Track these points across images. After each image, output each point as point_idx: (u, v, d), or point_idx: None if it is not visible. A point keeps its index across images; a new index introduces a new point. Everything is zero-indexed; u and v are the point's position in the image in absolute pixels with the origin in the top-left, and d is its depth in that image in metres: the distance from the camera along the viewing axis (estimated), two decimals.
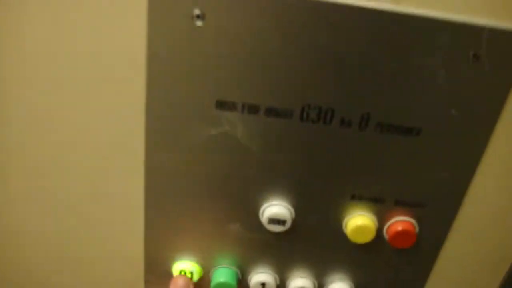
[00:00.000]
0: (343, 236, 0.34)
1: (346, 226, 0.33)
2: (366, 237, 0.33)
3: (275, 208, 0.33)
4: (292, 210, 0.33)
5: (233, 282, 0.36)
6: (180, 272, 0.36)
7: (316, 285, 0.37)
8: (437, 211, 0.33)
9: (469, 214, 0.33)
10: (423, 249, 0.35)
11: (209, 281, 0.37)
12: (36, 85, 0.29)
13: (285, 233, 0.34)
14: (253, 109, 0.29)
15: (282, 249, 0.35)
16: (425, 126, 0.30)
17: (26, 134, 0.31)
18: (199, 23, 0.27)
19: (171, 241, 0.35)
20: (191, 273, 0.36)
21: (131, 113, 0.30)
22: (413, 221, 0.33)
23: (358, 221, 0.33)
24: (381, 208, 0.33)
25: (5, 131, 0.31)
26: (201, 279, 0.36)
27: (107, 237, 0.35)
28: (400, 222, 0.33)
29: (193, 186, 0.32)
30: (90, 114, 0.30)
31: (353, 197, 0.33)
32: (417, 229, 0.33)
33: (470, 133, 0.30)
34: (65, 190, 0.33)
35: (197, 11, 0.26)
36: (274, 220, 0.33)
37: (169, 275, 0.37)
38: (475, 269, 0.36)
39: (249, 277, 0.36)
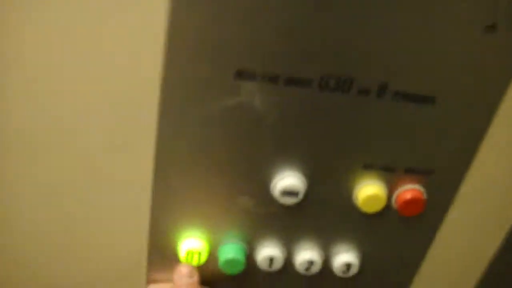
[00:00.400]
0: (353, 206, 0.34)
1: (357, 196, 0.34)
2: (376, 207, 0.34)
3: (289, 180, 0.32)
4: (305, 181, 0.33)
5: (242, 258, 0.35)
6: (188, 253, 0.35)
7: (323, 256, 0.37)
8: (445, 178, 0.34)
9: (474, 181, 0.34)
10: (429, 216, 0.35)
11: (216, 260, 0.36)
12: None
13: (295, 205, 0.34)
14: (272, 79, 0.29)
15: (291, 223, 0.35)
16: (439, 95, 0.30)
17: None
18: None
19: (179, 219, 0.34)
20: (199, 253, 0.35)
21: (146, 82, 0.29)
22: (421, 189, 0.34)
23: (370, 191, 0.33)
24: (391, 176, 0.33)
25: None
26: (209, 258, 0.36)
27: (111, 215, 0.34)
28: (409, 191, 0.34)
29: (205, 159, 0.32)
30: (102, 82, 0.29)
31: (365, 166, 0.33)
32: (425, 196, 0.34)
33: (480, 102, 0.31)
34: (69, 163, 0.31)
35: None
36: (287, 192, 0.32)
37: (174, 257, 0.36)
38: (476, 234, 0.38)
39: (256, 252, 0.36)
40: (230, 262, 0.35)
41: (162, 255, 0.36)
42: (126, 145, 0.31)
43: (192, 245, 0.35)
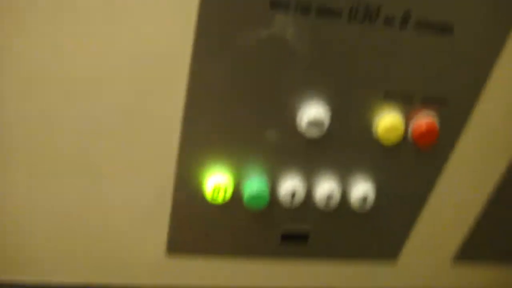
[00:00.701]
0: (372, 138, 0.36)
1: (377, 127, 0.35)
2: (394, 137, 0.36)
3: (315, 110, 0.34)
4: (330, 113, 0.34)
5: (266, 193, 0.36)
6: (214, 189, 0.36)
7: (342, 190, 0.38)
8: (457, 108, 0.36)
9: (483, 110, 0.37)
10: (440, 148, 0.38)
11: (240, 196, 0.37)
12: None
13: (319, 138, 0.35)
14: (305, 9, 0.30)
15: (313, 156, 0.37)
16: (457, 24, 0.32)
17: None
18: None
19: (206, 154, 0.35)
20: (225, 189, 0.36)
21: (180, 13, 0.29)
22: (436, 119, 0.36)
23: (389, 121, 0.35)
24: (409, 106, 0.35)
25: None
26: (233, 196, 0.37)
27: (137, 152, 0.34)
28: (425, 120, 0.36)
29: (235, 92, 0.32)
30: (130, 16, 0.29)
31: (385, 95, 0.35)
32: (438, 126, 0.36)
33: (492, 32, 0.33)
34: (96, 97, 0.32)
35: None
36: (313, 123, 0.34)
37: (199, 194, 0.37)
38: (481, 165, 0.40)
39: (279, 186, 0.37)
40: (255, 198, 0.36)
41: (187, 192, 0.37)
42: (157, 80, 0.32)
43: (218, 180, 0.36)
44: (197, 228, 0.39)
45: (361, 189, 0.38)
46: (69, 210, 0.37)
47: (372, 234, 0.43)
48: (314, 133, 0.34)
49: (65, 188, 0.36)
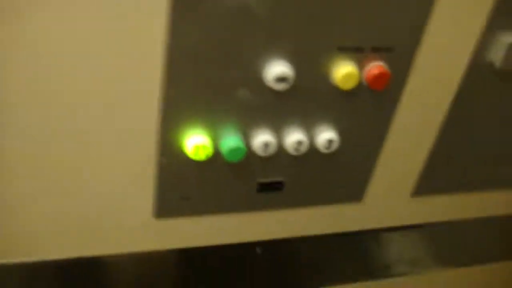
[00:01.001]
0: (332, 86, 0.40)
1: (335, 76, 0.40)
2: (351, 83, 0.40)
3: (280, 68, 0.37)
4: (293, 68, 0.38)
5: (242, 145, 0.40)
6: (196, 147, 0.39)
7: (309, 137, 0.43)
8: (403, 53, 0.41)
9: (426, 52, 0.41)
10: (392, 90, 0.42)
11: (217, 155, 0.40)
12: None
13: (284, 92, 0.39)
14: None
15: (280, 109, 0.40)
16: None
17: None
18: None
19: (185, 116, 0.38)
20: (204, 147, 0.39)
21: None
22: (385, 64, 0.40)
23: (345, 69, 0.39)
24: (361, 56, 0.40)
25: None
26: (214, 151, 0.40)
27: (119, 114, 0.37)
28: (376, 66, 0.40)
29: (209, 57, 0.36)
30: None
31: (339, 48, 0.39)
32: (389, 71, 0.41)
33: None
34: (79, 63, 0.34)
35: None
36: (280, 78, 0.38)
37: (181, 155, 0.40)
38: (428, 101, 0.45)
39: (253, 140, 0.41)
40: (234, 150, 0.40)
41: (171, 154, 0.40)
42: (135, 46, 0.35)
43: (197, 140, 0.39)
44: (181, 189, 0.42)
45: (327, 133, 0.42)
46: (59, 183, 0.39)
47: (339, 178, 0.47)
48: (281, 87, 0.38)
49: (54, 160, 0.38)
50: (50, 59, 0.33)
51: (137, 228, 0.44)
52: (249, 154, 0.41)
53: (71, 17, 0.32)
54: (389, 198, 0.52)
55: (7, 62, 0.33)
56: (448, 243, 0.63)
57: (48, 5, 0.31)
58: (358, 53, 0.39)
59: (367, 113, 0.43)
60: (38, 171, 0.38)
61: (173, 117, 0.38)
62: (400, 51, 0.40)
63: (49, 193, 0.39)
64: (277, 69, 0.37)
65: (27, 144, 0.36)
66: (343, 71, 0.39)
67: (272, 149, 0.42)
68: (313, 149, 0.43)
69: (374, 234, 0.57)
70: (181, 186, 0.42)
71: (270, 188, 0.45)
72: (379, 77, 0.40)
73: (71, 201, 0.40)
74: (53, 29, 0.32)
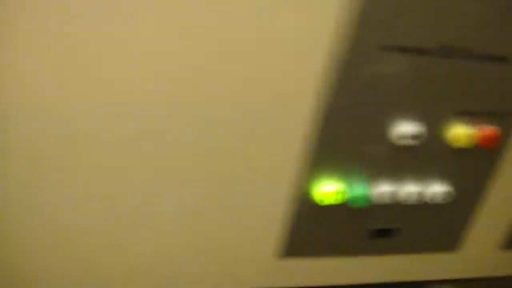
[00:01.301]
0: (445, 145, 0.46)
1: (450, 135, 0.45)
2: (464, 142, 0.45)
3: (411, 127, 0.44)
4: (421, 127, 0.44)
5: (367, 194, 0.46)
6: (327, 194, 0.45)
7: (421, 188, 0.48)
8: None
9: None
10: (499, 148, 0.48)
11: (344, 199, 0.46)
12: None
13: (407, 148, 0.45)
14: (403, 50, 0.40)
15: (399, 163, 0.46)
16: (510, 55, 0.43)
17: None
18: None
19: (322, 167, 0.44)
20: (337, 193, 0.45)
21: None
22: (497, 127, 0.46)
23: (460, 130, 0.45)
24: (475, 119, 0.45)
25: None
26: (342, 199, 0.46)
27: (258, 161, 0.42)
28: (488, 129, 0.46)
29: (352, 114, 0.42)
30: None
31: (455, 114, 0.45)
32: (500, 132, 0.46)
33: None
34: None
35: None
36: (414, 136, 0.44)
37: (311, 201, 0.45)
38: None
39: (374, 189, 0.46)
40: (359, 197, 0.45)
41: (300, 199, 0.45)
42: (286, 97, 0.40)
43: (329, 188, 0.45)
44: (308, 232, 0.48)
45: (437, 186, 0.48)
46: (196, 226, 0.45)
47: (440, 228, 0.52)
48: (413, 143, 0.44)
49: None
50: None
51: (258, 267, 0.49)
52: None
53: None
54: (482, 249, 0.56)
55: None
56: None
57: None
58: (472, 116, 0.45)
59: (475, 169, 0.48)
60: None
61: (310, 166, 0.44)
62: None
63: (188, 231, 0.45)
64: (411, 128, 0.43)
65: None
66: (457, 132, 0.45)
67: (387, 198, 0.47)
68: (422, 200, 0.48)
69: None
70: (306, 229, 0.47)
71: (384, 234, 0.50)
72: (490, 138, 0.46)
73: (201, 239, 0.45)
74: None
